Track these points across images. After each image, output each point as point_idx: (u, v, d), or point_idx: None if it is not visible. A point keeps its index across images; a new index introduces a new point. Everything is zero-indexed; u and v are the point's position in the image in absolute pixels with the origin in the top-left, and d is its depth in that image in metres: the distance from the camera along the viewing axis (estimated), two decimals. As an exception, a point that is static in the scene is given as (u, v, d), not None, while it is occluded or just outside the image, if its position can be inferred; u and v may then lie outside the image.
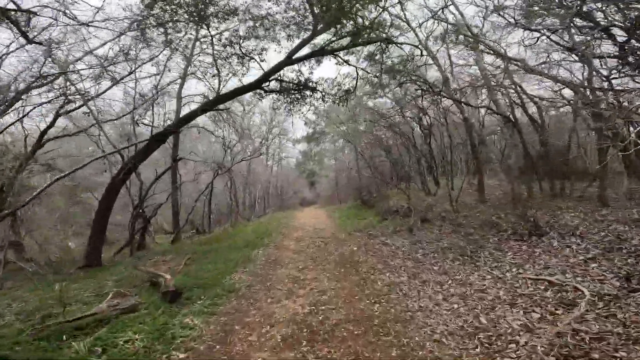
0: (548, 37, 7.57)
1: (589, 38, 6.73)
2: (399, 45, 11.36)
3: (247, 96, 15.36)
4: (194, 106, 13.96)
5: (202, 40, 11.93)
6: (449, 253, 6.71)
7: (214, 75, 10.81)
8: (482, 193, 9.91)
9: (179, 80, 13.97)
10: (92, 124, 10.33)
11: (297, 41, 10.46)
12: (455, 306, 4.37)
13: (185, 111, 14.07)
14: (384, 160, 18.73)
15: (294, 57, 10.26)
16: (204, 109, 9.55)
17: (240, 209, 25.65)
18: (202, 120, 15.16)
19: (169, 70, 12.47)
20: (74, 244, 14.86)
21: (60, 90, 9.61)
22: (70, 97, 9.43)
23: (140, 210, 10.22)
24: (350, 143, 22.18)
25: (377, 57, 12.08)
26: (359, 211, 17.74)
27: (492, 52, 9.02)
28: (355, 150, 22.85)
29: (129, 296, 5.31)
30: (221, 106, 11.35)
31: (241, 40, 10.19)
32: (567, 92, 9.29)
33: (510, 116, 9.46)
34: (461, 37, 11.01)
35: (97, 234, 9.14)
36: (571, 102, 8.65)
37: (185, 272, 7.18)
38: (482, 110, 12.86)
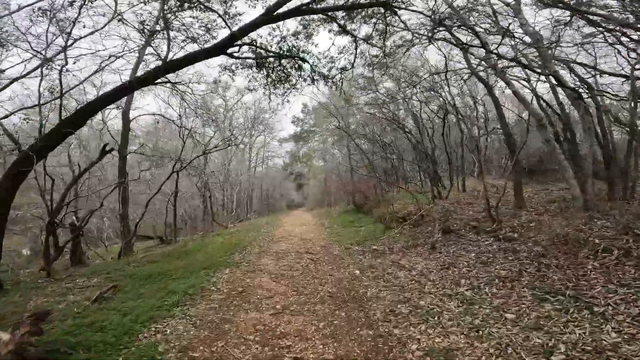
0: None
1: None
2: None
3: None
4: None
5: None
6: (521, 287, 4.24)
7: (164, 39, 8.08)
8: (520, 197, 7.58)
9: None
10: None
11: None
12: None
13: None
14: (384, 155, 16.26)
15: (275, 14, 7.71)
16: (142, 80, 6.78)
17: (219, 214, 22.78)
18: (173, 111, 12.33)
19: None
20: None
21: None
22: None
23: (56, 220, 7.36)
24: (343, 140, 19.72)
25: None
26: (353, 217, 15.25)
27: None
28: (348, 148, 20.43)
29: None
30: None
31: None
32: None
33: (583, 92, 7.13)
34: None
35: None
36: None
37: (82, 317, 4.43)
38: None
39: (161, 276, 6.93)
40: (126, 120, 11.26)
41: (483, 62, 8.79)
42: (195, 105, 12.06)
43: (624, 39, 7.51)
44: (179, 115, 11.50)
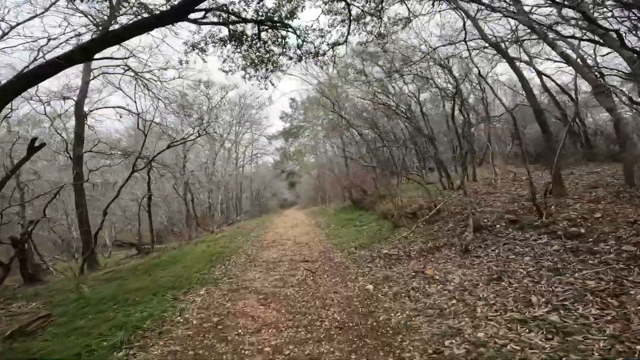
0: None
1: None
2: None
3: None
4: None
5: None
6: (637, 305, 2.83)
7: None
8: (559, 183, 6.21)
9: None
10: None
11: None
12: None
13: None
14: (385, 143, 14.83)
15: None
16: (69, 56, 5.03)
17: (207, 216, 21.08)
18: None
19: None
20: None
21: None
22: None
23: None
24: (336, 131, 18.22)
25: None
26: (351, 214, 13.81)
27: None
28: (342, 139, 18.96)
29: None
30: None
31: None
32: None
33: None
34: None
35: None
36: None
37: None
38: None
39: (115, 300, 5.39)
40: (80, 115, 9.53)
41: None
42: (163, 96, 10.41)
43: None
44: (140, 111, 9.73)
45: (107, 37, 5.33)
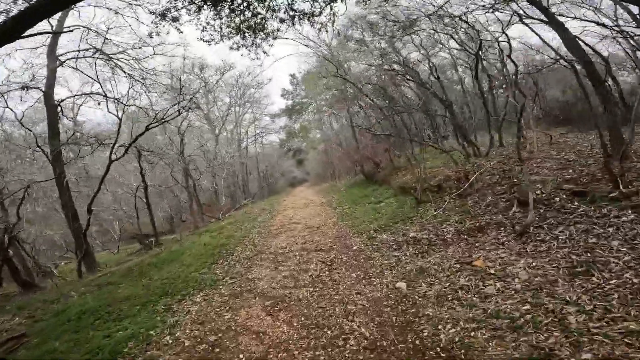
0: None
1: None
2: None
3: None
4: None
5: None
6: None
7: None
8: (619, 146, 4.93)
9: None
10: None
11: None
12: None
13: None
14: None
15: None
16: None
17: (214, 202, 20.38)
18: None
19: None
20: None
21: None
22: None
23: None
24: (341, 103, 16.79)
25: None
26: (365, 190, 12.76)
27: None
28: (348, 111, 17.55)
29: None
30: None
31: None
32: None
33: None
34: None
35: None
36: None
37: None
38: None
39: (98, 315, 4.58)
40: (50, 105, 8.46)
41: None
42: (143, 77, 9.19)
43: None
44: (120, 95, 8.55)
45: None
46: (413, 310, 3.32)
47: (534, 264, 3.35)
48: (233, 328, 3.67)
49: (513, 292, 3.04)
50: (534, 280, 3.09)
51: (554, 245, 3.54)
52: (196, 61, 22.99)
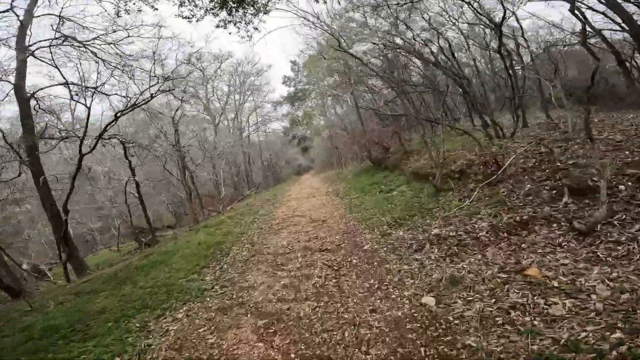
0: None
1: None
2: None
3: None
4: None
5: None
6: None
7: None
8: None
9: None
10: None
11: None
12: None
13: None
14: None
15: None
16: None
17: (219, 194, 19.68)
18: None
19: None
20: None
21: None
22: None
23: None
24: (344, 84, 15.67)
25: None
26: (374, 177, 11.83)
27: None
28: (352, 93, 16.43)
29: None
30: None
31: None
32: None
33: None
34: None
35: None
36: None
37: None
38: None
39: (63, 333, 3.86)
40: (22, 99, 7.63)
41: None
42: (122, 64, 8.25)
43: None
44: (99, 84, 7.60)
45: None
46: (448, 338, 2.48)
47: (613, 274, 2.47)
48: (216, 358, 2.89)
49: (593, 313, 2.16)
50: (621, 297, 2.21)
51: (634, 248, 2.63)
52: (192, 50, 22.01)
